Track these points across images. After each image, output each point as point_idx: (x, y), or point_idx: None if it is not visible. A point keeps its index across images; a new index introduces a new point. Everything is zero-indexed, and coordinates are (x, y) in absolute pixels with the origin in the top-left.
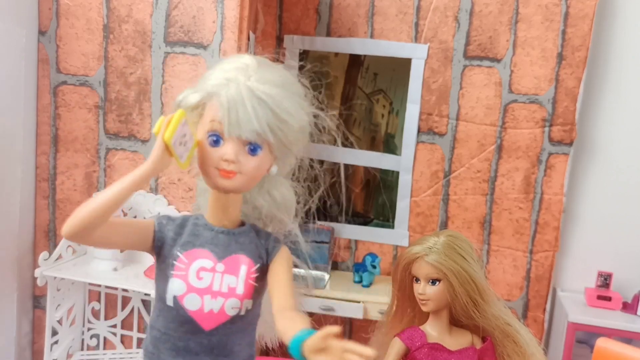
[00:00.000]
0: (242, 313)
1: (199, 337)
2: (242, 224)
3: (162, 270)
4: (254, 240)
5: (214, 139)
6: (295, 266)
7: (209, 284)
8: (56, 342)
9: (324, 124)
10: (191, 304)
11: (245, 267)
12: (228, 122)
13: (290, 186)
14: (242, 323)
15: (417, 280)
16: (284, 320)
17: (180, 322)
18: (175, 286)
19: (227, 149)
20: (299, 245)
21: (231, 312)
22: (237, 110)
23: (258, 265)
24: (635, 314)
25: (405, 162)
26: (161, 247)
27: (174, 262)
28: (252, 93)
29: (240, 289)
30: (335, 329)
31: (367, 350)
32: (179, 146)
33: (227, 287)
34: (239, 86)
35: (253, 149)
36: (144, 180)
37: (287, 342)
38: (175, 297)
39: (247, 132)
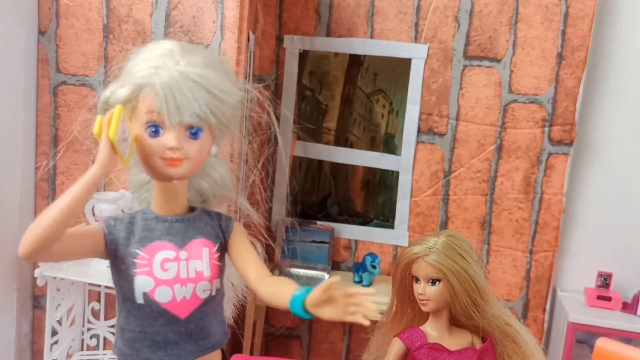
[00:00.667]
0: (214, 294)
1: (176, 327)
2: (192, 209)
3: (123, 271)
4: (208, 222)
5: (153, 129)
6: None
7: (175, 274)
8: (56, 342)
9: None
10: (162, 296)
11: (207, 250)
12: (167, 110)
13: (226, 165)
14: (213, 304)
15: (417, 280)
16: (269, 287)
17: (155, 316)
18: (142, 283)
19: (170, 137)
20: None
21: (203, 295)
22: (174, 96)
23: (217, 245)
24: (635, 314)
25: (405, 162)
26: (115, 248)
27: (135, 260)
28: (186, 77)
29: (207, 272)
30: (336, 279)
31: (368, 290)
32: (122, 143)
33: (194, 272)
34: (170, 72)
35: (194, 132)
36: (95, 185)
37: (284, 303)
38: (145, 294)
39: (188, 117)
